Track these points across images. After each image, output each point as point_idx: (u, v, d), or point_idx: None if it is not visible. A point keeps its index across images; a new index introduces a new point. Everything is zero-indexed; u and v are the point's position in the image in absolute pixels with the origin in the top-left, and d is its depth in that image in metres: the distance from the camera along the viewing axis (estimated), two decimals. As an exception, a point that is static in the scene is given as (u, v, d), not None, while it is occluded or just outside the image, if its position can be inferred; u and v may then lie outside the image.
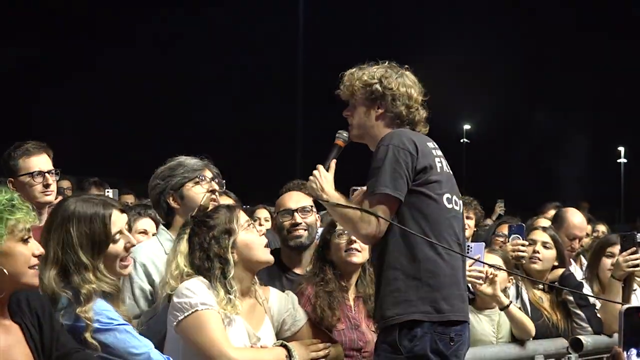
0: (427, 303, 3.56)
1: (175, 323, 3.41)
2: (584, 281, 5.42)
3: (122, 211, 3.37)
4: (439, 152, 3.80)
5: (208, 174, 4.09)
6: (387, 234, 3.61)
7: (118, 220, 3.31)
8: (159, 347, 3.37)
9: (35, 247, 2.87)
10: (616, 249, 5.26)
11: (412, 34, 40.13)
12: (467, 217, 5.96)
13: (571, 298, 4.99)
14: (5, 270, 2.78)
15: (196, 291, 3.41)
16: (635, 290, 5.31)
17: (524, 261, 5.12)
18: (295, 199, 4.53)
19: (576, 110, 44.48)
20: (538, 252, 5.10)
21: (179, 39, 38.96)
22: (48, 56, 33.26)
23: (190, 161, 4.08)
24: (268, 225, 6.66)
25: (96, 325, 3.11)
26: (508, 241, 5.26)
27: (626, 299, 5.06)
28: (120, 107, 33.72)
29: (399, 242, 3.60)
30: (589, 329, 4.99)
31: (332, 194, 3.68)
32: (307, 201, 4.51)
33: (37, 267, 2.88)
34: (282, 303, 3.75)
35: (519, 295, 4.97)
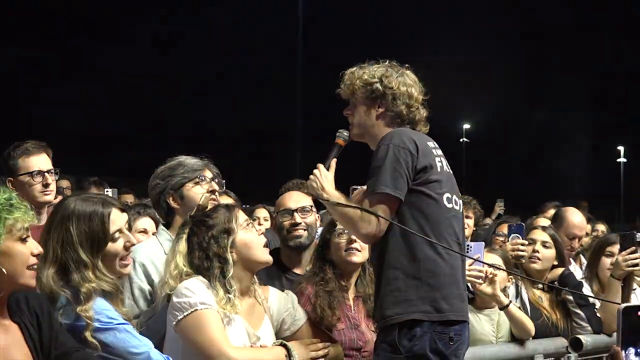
0: (427, 303, 3.56)
1: (174, 322, 3.41)
2: (583, 280, 5.42)
3: (122, 210, 3.37)
4: (439, 152, 3.80)
5: (208, 174, 4.08)
6: (387, 234, 3.61)
7: (118, 219, 3.31)
8: (159, 346, 3.37)
9: (33, 246, 2.87)
10: (615, 248, 5.26)
11: (412, 34, 40.18)
12: (466, 217, 5.96)
13: (571, 297, 4.99)
14: (4, 270, 2.78)
15: (195, 291, 3.40)
16: (634, 289, 5.31)
17: (523, 261, 5.12)
18: (295, 199, 4.52)
19: (576, 110, 44.52)
20: (538, 252, 5.10)
21: (179, 39, 38.99)
22: (48, 56, 33.28)
23: (191, 161, 4.08)
24: (267, 224, 6.66)
25: (96, 324, 3.11)
26: (508, 241, 5.27)
27: (626, 298, 5.06)
28: (120, 107, 33.74)
29: (399, 242, 3.60)
30: (589, 328, 4.98)
31: (332, 193, 3.68)
32: (307, 201, 4.50)
33: (35, 267, 2.88)
34: (281, 302, 3.74)
35: (518, 294, 4.97)
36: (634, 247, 5.04)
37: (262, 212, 7.08)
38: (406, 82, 3.82)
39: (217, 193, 4.08)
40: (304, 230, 4.41)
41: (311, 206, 4.50)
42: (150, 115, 35.21)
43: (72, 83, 32.03)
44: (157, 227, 4.66)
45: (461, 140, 48.09)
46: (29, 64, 32.07)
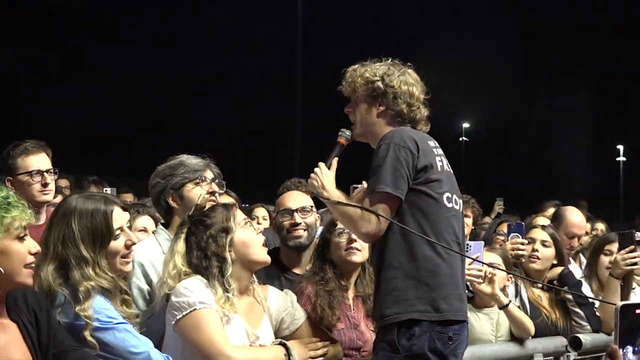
0: (426, 302, 3.56)
1: (173, 322, 3.41)
2: (583, 279, 5.42)
3: (124, 209, 3.39)
4: (440, 151, 3.79)
5: (209, 175, 4.07)
6: (387, 233, 3.61)
7: (120, 217, 3.32)
8: (158, 346, 3.37)
9: (31, 245, 2.87)
10: (614, 246, 5.25)
11: (412, 34, 40.16)
12: (465, 216, 5.93)
13: (570, 296, 4.99)
14: (1, 269, 2.78)
15: (194, 290, 3.40)
16: (634, 288, 5.31)
17: (523, 260, 5.12)
18: (295, 199, 4.52)
19: (576, 109, 44.51)
20: (537, 251, 5.10)
21: (179, 39, 39.00)
22: (48, 56, 33.29)
23: (192, 161, 4.07)
24: (266, 224, 6.65)
25: (95, 323, 3.11)
26: (507, 240, 5.27)
27: (625, 297, 5.06)
28: (120, 107, 33.75)
29: (398, 241, 3.60)
30: (588, 327, 4.98)
31: (332, 192, 3.68)
32: (307, 201, 4.50)
33: (32, 266, 2.88)
34: (280, 302, 3.74)
35: (518, 293, 4.96)
36: (632, 246, 5.04)
37: (261, 212, 7.07)
38: (408, 81, 3.82)
39: (217, 194, 4.07)
40: (304, 230, 4.41)
41: (311, 206, 4.50)
42: (150, 115, 35.21)
43: (72, 83, 32.03)
44: (156, 226, 4.66)
45: (460, 139, 48.10)
46: (29, 64, 32.08)
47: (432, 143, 3.78)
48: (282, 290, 3.89)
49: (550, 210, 7.16)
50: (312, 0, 27.17)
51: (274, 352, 3.54)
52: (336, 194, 3.68)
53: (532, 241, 5.14)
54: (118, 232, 3.31)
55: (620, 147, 50.90)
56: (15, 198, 2.84)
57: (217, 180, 4.13)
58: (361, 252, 4.10)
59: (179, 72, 36.72)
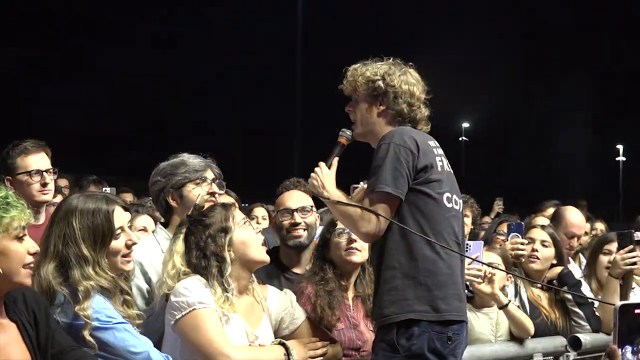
0: (425, 302, 3.55)
1: (173, 322, 3.41)
2: (582, 279, 5.41)
3: (125, 209, 3.39)
4: (440, 151, 3.79)
5: (210, 175, 4.06)
6: (386, 233, 3.60)
7: (121, 216, 3.33)
8: (157, 346, 3.37)
9: (30, 245, 2.86)
10: (613, 246, 5.25)
11: (412, 34, 40.18)
12: (464, 215, 5.95)
13: (570, 296, 4.99)
14: (0, 269, 2.78)
15: (193, 290, 3.40)
16: (633, 288, 5.30)
17: (523, 260, 5.12)
18: (295, 199, 4.52)
19: (576, 109, 44.52)
20: (537, 251, 5.10)
21: (179, 39, 39.03)
22: (48, 56, 33.32)
23: (193, 161, 4.05)
24: (265, 223, 6.65)
25: (95, 323, 3.11)
26: (507, 240, 5.27)
27: (624, 296, 5.05)
28: (120, 107, 33.77)
29: (398, 241, 3.59)
30: (588, 327, 4.98)
31: (333, 192, 3.68)
32: (307, 201, 4.50)
33: (31, 266, 2.88)
34: (280, 301, 3.74)
35: (517, 293, 4.96)
36: (631, 246, 5.04)
37: (260, 211, 7.07)
38: (408, 81, 3.82)
39: (217, 195, 4.06)
40: (304, 230, 4.40)
41: (311, 206, 4.50)
42: (150, 115, 35.24)
43: (72, 83, 32.06)
44: (156, 225, 4.66)
45: (460, 139, 48.12)
46: (29, 64, 32.11)
47: (433, 143, 3.78)
48: (281, 289, 3.89)
49: (550, 210, 7.16)
50: (312, 0, 27.15)
51: (274, 351, 3.54)
52: (336, 194, 3.68)
53: (532, 241, 5.14)
54: (119, 231, 3.31)
55: (620, 147, 50.91)
56: (14, 198, 2.83)
57: (217, 181, 4.12)
58: (361, 252, 4.10)
59: (179, 72, 36.76)
